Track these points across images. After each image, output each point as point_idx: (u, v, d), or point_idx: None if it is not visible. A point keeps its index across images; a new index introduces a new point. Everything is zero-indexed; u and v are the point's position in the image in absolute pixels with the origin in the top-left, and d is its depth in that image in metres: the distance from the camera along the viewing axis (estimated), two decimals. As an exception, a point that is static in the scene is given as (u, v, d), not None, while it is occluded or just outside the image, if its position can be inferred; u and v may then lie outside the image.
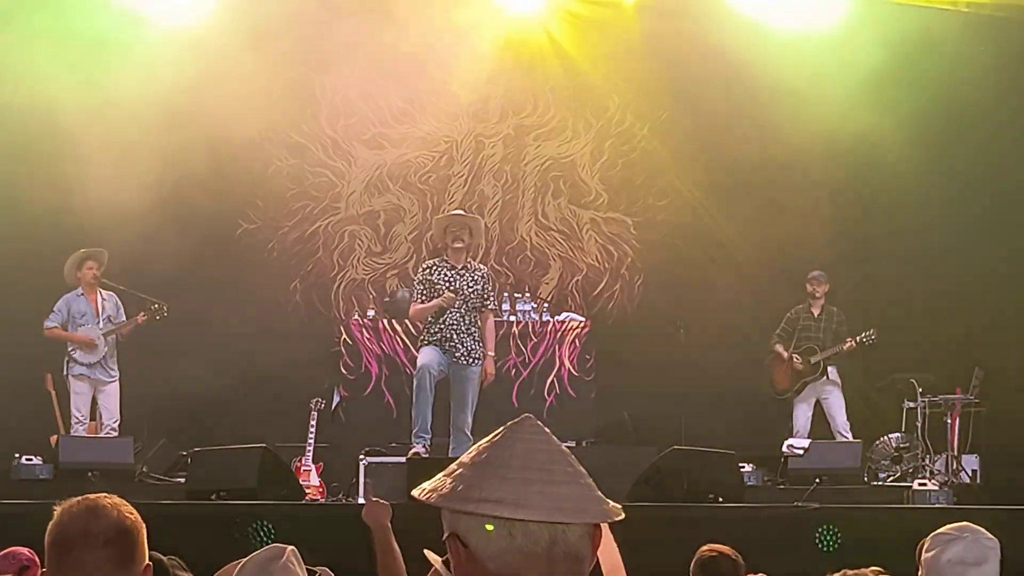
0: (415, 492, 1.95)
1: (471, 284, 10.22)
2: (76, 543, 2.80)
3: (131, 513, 2.90)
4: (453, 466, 1.98)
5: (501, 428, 2.01)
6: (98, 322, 11.68)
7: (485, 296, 10.32)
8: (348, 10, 13.32)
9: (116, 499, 2.94)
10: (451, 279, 10.20)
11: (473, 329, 10.22)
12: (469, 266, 10.32)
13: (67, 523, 2.85)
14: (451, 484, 1.93)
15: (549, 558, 1.89)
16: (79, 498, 2.92)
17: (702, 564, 5.31)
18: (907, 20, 12.94)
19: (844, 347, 12.08)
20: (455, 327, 10.13)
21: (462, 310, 10.16)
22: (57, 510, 2.89)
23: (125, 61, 12.81)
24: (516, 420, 2.01)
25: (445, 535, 1.95)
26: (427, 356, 10.11)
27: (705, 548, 5.43)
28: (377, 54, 13.49)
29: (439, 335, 10.14)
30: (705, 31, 13.56)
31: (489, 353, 10.34)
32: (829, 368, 12.18)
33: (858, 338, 12.03)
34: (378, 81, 13.77)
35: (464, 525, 1.90)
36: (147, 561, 2.88)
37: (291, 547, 3.13)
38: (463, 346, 10.14)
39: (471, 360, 10.16)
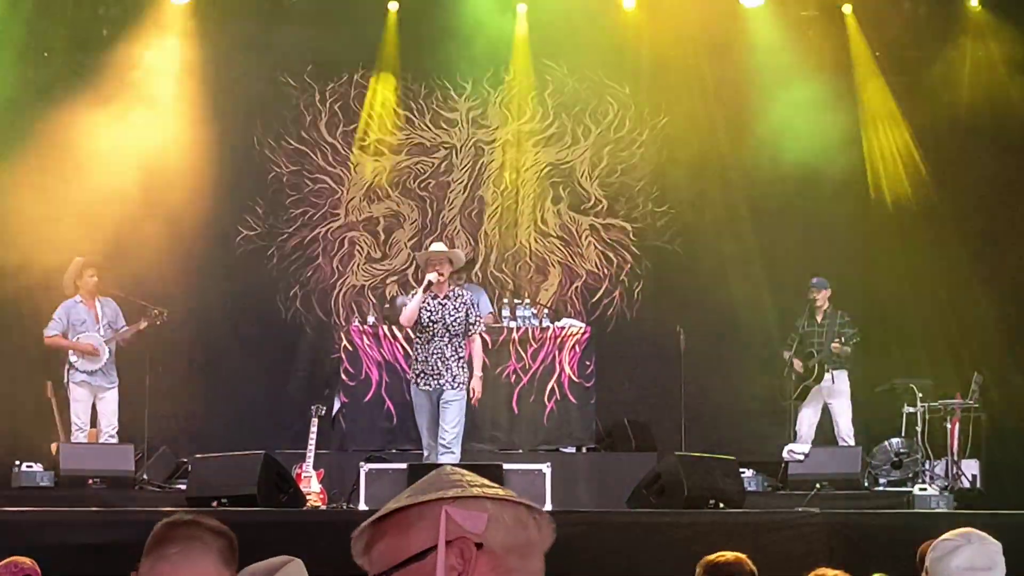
0: (399, 503, 1.82)
1: (453, 312, 10.49)
2: (184, 524, 2.82)
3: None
4: (408, 491, 1.85)
5: (430, 474, 1.89)
6: (98, 329, 11.67)
7: (470, 321, 10.58)
8: (348, 14, 13.34)
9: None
10: (433, 308, 10.48)
11: (459, 355, 10.52)
12: (451, 294, 10.59)
13: (176, 515, 2.87)
14: (442, 487, 1.82)
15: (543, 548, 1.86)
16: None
17: (709, 567, 5.28)
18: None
19: (832, 348, 12.09)
20: (439, 355, 10.43)
21: (446, 338, 10.46)
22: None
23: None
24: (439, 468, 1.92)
25: (432, 548, 1.78)
26: (422, 426, 10.52)
27: (714, 555, 5.41)
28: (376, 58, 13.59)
29: (426, 364, 10.43)
30: (705, 35, 13.60)
31: (477, 373, 10.65)
32: (836, 374, 12.15)
33: (842, 339, 12.07)
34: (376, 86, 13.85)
35: (479, 520, 1.79)
36: None
37: (298, 560, 3.10)
38: (448, 372, 10.44)
39: (456, 385, 10.46)
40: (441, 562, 1.76)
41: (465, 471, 1.89)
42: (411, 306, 10.53)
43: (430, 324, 10.45)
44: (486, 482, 1.86)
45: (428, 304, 10.48)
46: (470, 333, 10.59)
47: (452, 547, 1.78)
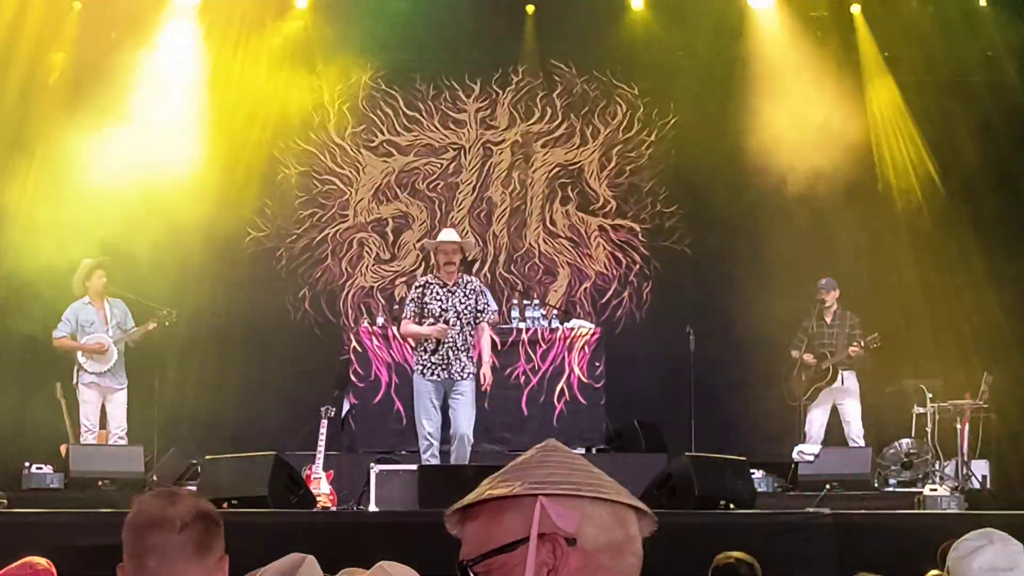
0: (494, 492, 1.76)
1: (463, 300, 10.35)
2: (153, 527, 2.79)
3: (208, 504, 2.92)
4: (505, 472, 1.80)
5: (531, 450, 1.85)
6: (107, 330, 11.68)
7: (479, 309, 10.41)
8: (356, 15, 13.36)
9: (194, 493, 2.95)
10: (443, 297, 10.32)
11: (468, 345, 10.36)
12: (460, 282, 10.45)
13: (145, 509, 2.83)
14: (536, 479, 1.76)
15: (639, 552, 1.82)
16: (158, 489, 2.93)
17: (718, 570, 5.30)
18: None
19: (850, 352, 12.05)
20: (451, 345, 10.26)
21: (457, 327, 10.29)
22: (136, 500, 2.88)
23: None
24: (544, 443, 1.87)
25: (523, 540, 1.73)
26: (423, 416, 10.25)
27: (721, 556, 5.42)
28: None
29: (434, 354, 10.26)
30: (713, 36, 13.61)
31: (486, 360, 10.46)
32: (846, 374, 12.13)
33: (862, 343, 12.01)
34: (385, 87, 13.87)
35: (573, 518, 1.73)
36: (224, 552, 2.89)
37: (310, 556, 3.11)
38: (458, 362, 10.27)
39: (465, 376, 10.28)
40: (532, 556, 1.72)
41: (567, 451, 1.84)
42: (415, 332, 10.35)
43: (441, 313, 10.28)
44: (589, 468, 1.81)
45: (438, 294, 10.32)
46: (479, 320, 10.42)
47: (544, 542, 1.74)
